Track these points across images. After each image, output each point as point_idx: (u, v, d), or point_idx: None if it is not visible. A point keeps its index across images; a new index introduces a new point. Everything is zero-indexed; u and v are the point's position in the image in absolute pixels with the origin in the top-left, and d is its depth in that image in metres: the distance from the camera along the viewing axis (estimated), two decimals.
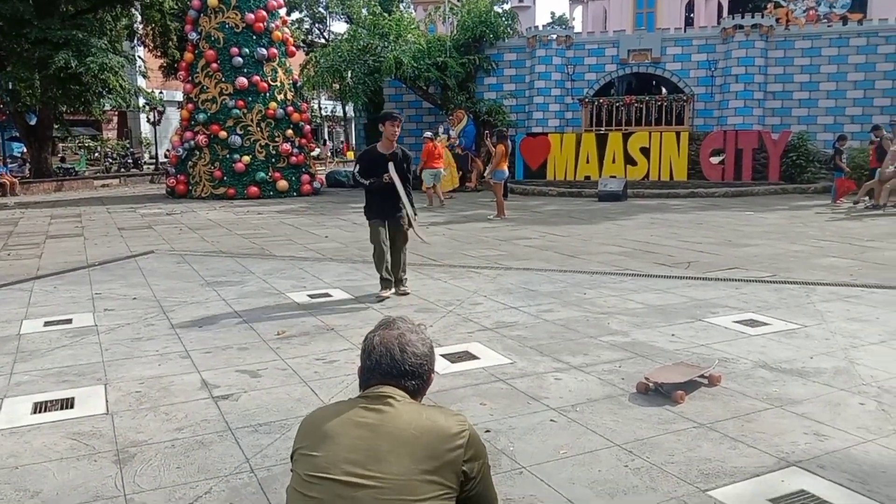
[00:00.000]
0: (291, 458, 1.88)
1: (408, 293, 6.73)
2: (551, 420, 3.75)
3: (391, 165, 6.40)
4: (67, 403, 4.07)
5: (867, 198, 14.24)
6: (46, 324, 5.90)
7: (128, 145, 38.81)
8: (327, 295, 6.83)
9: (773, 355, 4.77)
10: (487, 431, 3.60)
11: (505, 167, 13.56)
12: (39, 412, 3.95)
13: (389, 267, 6.64)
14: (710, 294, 6.64)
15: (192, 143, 18.69)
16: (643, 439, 3.48)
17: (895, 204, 13.73)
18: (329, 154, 41.69)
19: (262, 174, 18.59)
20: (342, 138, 54.34)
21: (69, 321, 5.98)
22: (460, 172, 19.77)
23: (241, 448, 3.44)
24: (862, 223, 11.93)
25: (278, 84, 19.25)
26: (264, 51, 18.86)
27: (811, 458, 3.26)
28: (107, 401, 4.10)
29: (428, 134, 17.05)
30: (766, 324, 5.56)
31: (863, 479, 3.05)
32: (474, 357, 4.84)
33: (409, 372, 1.89)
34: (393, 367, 1.89)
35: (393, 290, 6.71)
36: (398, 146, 6.56)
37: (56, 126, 27.18)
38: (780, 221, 12.22)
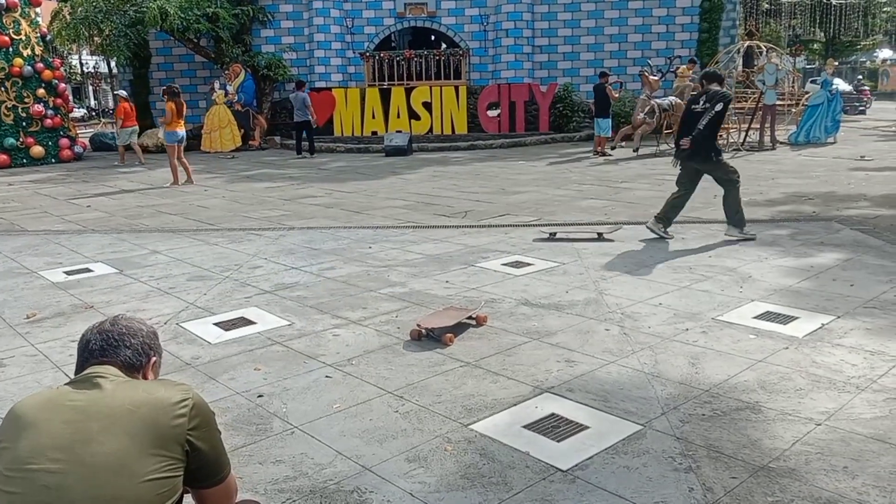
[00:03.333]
0: None
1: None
2: (327, 376, 3.77)
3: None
4: None
5: (623, 143, 15.68)
6: None
7: None
8: (88, 270, 6.28)
9: (535, 292, 5.15)
10: (260, 396, 3.54)
11: (178, 128, 12.08)
12: None
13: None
14: (484, 241, 7.00)
15: None
16: (414, 383, 3.62)
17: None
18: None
19: (11, 140, 16.51)
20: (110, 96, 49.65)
21: None
22: (242, 130, 18.96)
23: None
24: (618, 167, 13.14)
25: (23, 38, 17.04)
26: (2, 0, 16.59)
27: (562, 383, 3.58)
28: None
29: (121, 92, 16.68)
30: (529, 264, 5.98)
31: (604, 397, 3.40)
32: (250, 322, 4.72)
33: (120, 341, 1.80)
34: (104, 341, 1.79)
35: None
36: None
37: None
38: (548, 169, 13.11)
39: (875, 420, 3.09)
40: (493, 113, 19.15)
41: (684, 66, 16.70)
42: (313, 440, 3.07)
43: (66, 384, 1.77)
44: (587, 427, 3.10)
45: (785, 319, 4.41)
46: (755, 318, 4.46)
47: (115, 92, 16.65)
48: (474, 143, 17.75)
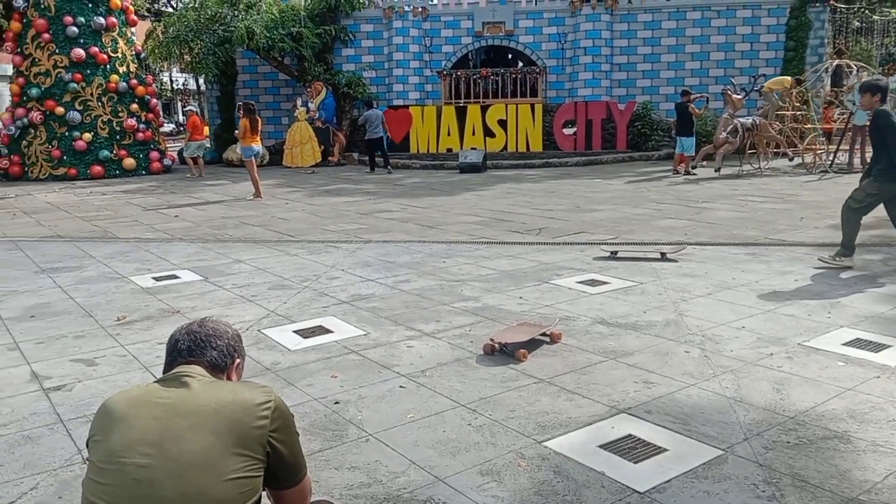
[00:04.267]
0: (87, 446, 1.79)
1: None
2: (401, 387, 3.80)
3: None
4: None
5: (704, 162, 15.33)
6: None
7: None
8: (174, 277, 6.55)
9: (611, 311, 5.07)
10: (336, 403, 3.60)
11: (252, 143, 12.48)
12: None
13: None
14: (558, 258, 6.94)
15: (26, 120, 17.19)
16: (487, 398, 3.61)
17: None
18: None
19: (106, 152, 17.43)
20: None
21: None
22: (322, 147, 19.44)
23: (74, 440, 3.26)
24: (699, 186, 12.83)
25: (119, 55, 18.03)
26: (102, 20, 17.58)
27: (639, 404, 3.50)
28: None
29: (192, 107, 17.90)
30: (605, 283, 5.89)
31: (684, 420, 3.31)
32: (328, 331, 4.81)
33: (207, 343, 1.88)
34: (191, 342, 1.87)
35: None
36: None
37: None
38: (626, 187, 12.92)
39: None
40: (568, 131, 19.03)
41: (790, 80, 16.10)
42: (387, 448, 3.10)
43: (154, 382, 1.85)
44: (666, 450, 3.02)
45: (876, 347, 4.20)
46: (844, 344, 4.27)
47: (186, 108, 17.86)
48: (549, 161, 17.66)
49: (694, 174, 14.43)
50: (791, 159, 15.59)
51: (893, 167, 6.12)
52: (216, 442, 1.63)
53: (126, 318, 5.22)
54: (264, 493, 1.83)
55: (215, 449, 1.63)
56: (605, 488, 2.73)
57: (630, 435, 3.16)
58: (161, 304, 5.59)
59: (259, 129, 12.82)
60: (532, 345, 4.30)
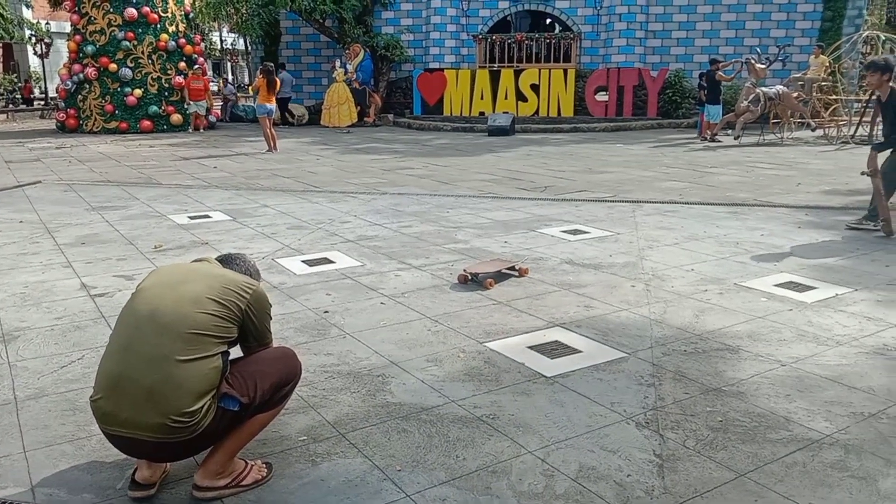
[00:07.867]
0: None
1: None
2: (381, 303, 4.55)
3: None
4: None
5: (730, 130, 15.59)
6: None
7: (15, 80, 36.85)
8: (207, 217, 7.39)
9: (581, 254, 5.73)
10: (326, 312, 4.36)
11: (267, 102, 13.42)
12: None
13: None
14: (552, 211, 7.58)
15: (81, 76, 18.29)
16: (450, 313, 4.33)
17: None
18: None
19: (154, 108, 18.45)
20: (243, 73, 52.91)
21: None
22: (358, 107, 20.16)
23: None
24: (713, 153, 13.21)
25: (169, 15, 18.95)
26: None
27: (574, 321, 4.18)
28: None
29: (198, 70, 19.62)
30: (586, 232, 6.53)
31: (605, 333, 3.99)
32: (331, 262, 5.57)
33: (233, 260, 2.69)
34: (225, 256, 2.72)
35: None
36: None
37: None
38: (644, 152, 13.37)
39: (838, 367, 3.52)
40: (601, 97, 19.37)
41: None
42: (359, 343, 3.85)
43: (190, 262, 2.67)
44: (581, 351, 3.71)
45: (803, 289, 4.78)
46: (776, 285, 4.86)
47: (194, 69, 19.03)
48: (577, 126, 18.09)
49: (719, 141, 14.75)
50: (813, 129, 15.75)
51: None
52: (205, 290, 2.40)
53: (162, 246, 6.07)
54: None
55: (203, 293, 2.38)
56: (520, 373, 3.43)
57: (556, 341, 3.86)
58: (192, 237, 6.42)
59: (276, 90, 13.63)
60: (501, 276, 4.99)
